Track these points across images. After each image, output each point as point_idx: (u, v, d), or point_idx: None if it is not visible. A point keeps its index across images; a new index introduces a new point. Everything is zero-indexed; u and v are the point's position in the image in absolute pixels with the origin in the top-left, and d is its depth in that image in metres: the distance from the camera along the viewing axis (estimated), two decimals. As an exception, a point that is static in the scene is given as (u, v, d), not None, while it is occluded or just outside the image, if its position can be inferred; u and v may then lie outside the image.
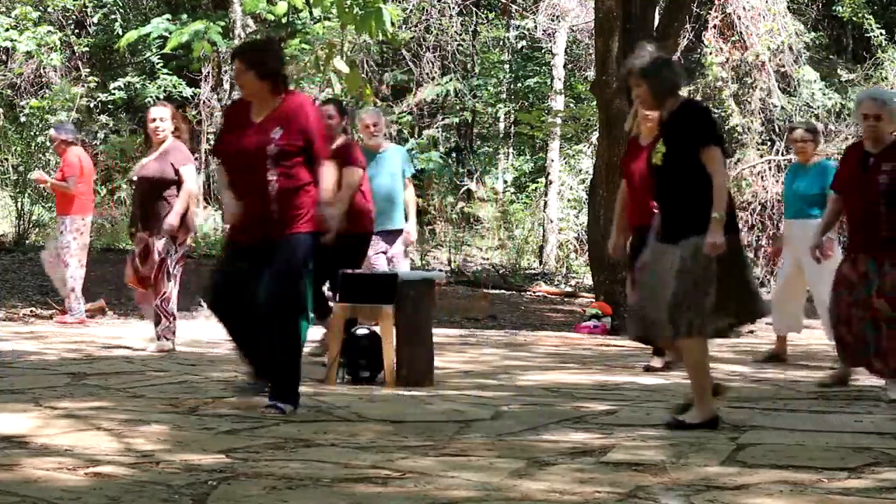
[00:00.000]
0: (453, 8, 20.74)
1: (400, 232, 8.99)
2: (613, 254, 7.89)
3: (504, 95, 23.00)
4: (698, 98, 17.61)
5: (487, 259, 18.82)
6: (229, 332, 5.58)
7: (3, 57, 19.23)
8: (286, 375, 5.42)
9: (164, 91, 17.79)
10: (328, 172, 5.55)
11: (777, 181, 16.41)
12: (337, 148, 7.78)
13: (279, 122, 5.40)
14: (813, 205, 8.26)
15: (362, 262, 7.99)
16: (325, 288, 7.91)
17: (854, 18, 19.67)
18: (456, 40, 21.36)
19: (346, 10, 11.03)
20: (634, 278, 5.57)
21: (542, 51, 22.06)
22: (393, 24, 11.95)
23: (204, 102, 17.84)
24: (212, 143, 13.71)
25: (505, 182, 22.41)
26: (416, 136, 21.20)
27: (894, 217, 6.36)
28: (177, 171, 8.14)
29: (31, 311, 11.52)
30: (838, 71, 19.80)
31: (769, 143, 17.75)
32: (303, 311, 5.47)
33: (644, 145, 7.46)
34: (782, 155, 17.10)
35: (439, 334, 9.21)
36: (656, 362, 7.79)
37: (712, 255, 5.03)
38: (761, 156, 17.47)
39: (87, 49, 18.84)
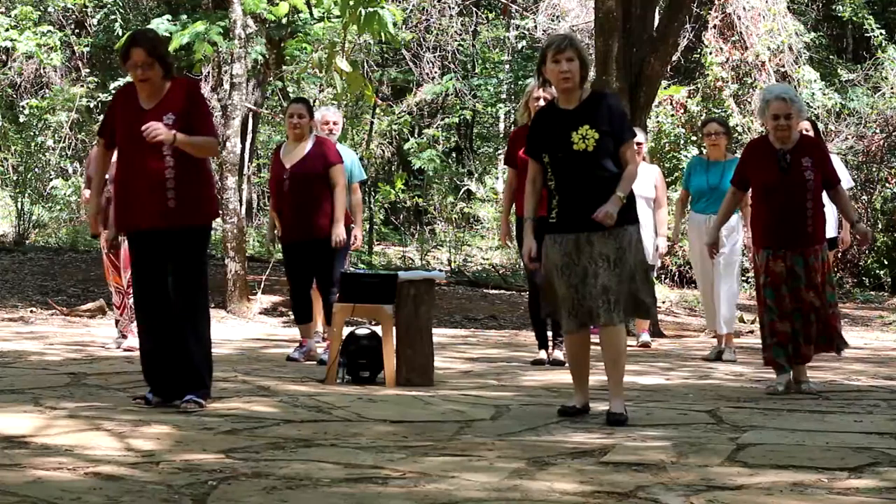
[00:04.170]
0: (453, 8, 20.73)
1: None
2: (504, 243, 8.31)
3: (504, 95, 23.00)
4: (699, 98, 17.65)
5: (487, 259, 18.82)
6: (148, 338, 5.53)
7: (3, 57, 19.23)
8: (201, 368, 5.50)
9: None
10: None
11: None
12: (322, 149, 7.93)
13: (171, 108, 5.41)
14: None
15: (347, 253, 8.16)
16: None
17: (854, 18, 19.68)
18: (456, 40, 21.36)
19: (350, 9, 11.03)
20: (535, 268, 5.49)
21: (543, 51, 22.04)
22: (395, 24, 11.95)
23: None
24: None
25: (505, 182, 22.41)
26: (415, 136, 21.19)
27: (819, 212, 6.54)
28: None
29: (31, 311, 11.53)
30: (838, 71, 19.80)
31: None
32: (207, 305, 5.58)
33: None
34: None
35: (439, 334, 9.21)
36: (560, 353, 7.91)
37: (604, 223, 5.12)
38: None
39: (87, 49, 18.84)
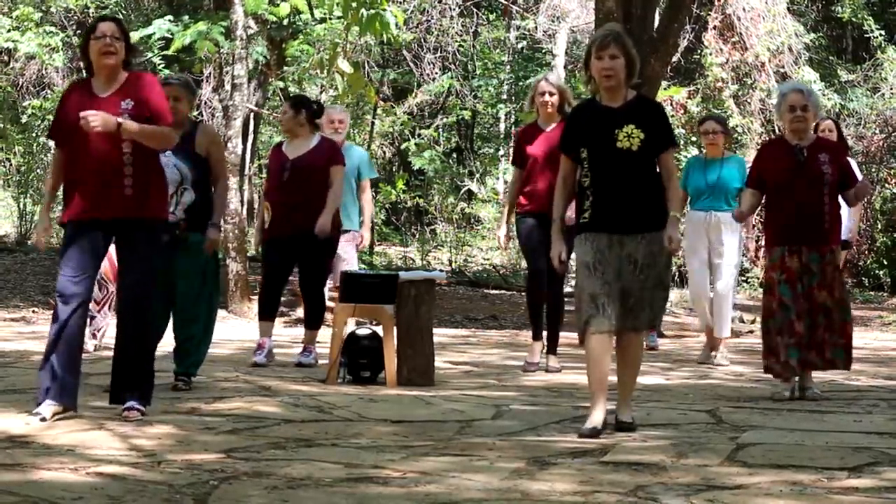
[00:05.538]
0: (454, 9, 20.74)
1: (352, 233, 9.06)
2: (504, 245, 8.30)
3: (505, 96, 23.02)
4: (699, 99, 17.67)
5: (488, 259, 18.84)
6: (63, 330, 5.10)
7: (6, 58, 19.24)
8: (144, 372, 5.26)
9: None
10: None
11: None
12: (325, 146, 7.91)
13: (127, 95, 5.13)
14: (734, 198, 8.47)
15: (333, 257, 8.06)
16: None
17: (854, 19, 19.70)
18: (457, 41, 21.37)
19: (352, 10, 11.04)
20: (562, 271, 5.49)
21: (543, 51, 22.08)
22: (397, 25, 11.97)
23: (205, 103, 17.84)
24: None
25: (505, 182, 22.43)
26: (416, 136, 21.21)
27: (835, 209, 6.50)
28: None
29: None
30: (838, 72, 19.82)
31: (769, 144, 17.75)
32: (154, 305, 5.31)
33: (546, 130, 7.69)
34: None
35: (439, 334, 9.22)
36: (553, 361, 7.81)
37: (675, 252, 5.13)
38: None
39: (88, 50, 18.85)
